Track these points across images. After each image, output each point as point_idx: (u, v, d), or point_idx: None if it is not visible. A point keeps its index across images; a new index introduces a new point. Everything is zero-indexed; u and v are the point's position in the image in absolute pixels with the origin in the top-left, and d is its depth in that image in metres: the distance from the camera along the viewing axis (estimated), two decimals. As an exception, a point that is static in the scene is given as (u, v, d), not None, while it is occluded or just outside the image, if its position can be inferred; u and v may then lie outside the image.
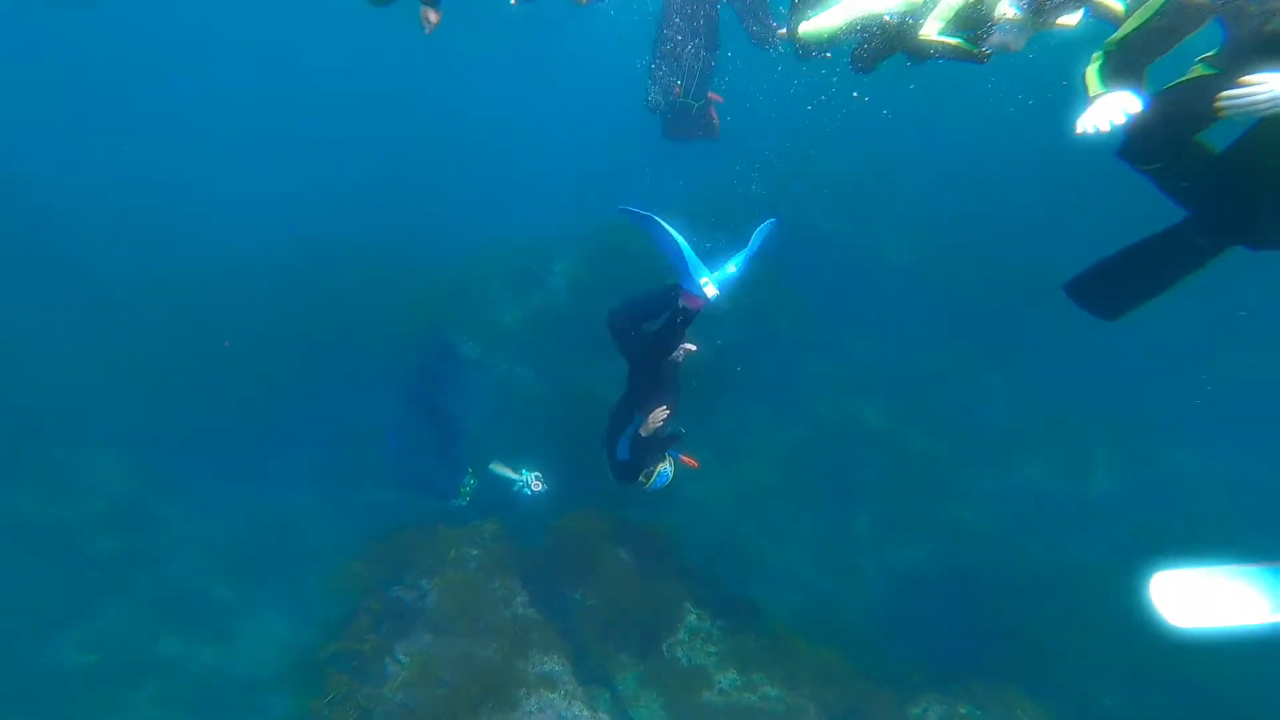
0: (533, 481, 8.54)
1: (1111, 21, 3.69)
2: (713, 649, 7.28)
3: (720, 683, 6.87)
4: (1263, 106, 2.59)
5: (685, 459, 6.01)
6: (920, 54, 4.76)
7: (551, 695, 6.45)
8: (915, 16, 4.55)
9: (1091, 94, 3.01)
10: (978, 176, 16.12)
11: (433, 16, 5.67)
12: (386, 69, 22.42)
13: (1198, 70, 2.89)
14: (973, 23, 4.32)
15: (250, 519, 10.57)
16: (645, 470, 5.78)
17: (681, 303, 5.56)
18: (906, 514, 10.62)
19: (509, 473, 8.69)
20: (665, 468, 5.80)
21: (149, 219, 17.55)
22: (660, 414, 5.65)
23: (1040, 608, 9.03)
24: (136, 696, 8.37)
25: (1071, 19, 4.05)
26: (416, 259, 13.56)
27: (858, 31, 4.89)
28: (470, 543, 7.86)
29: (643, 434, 5.72)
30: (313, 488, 11.23)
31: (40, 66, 22.36)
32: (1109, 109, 2.89)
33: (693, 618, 7.60)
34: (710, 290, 5.44)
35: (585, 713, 6.40)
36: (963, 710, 6.80)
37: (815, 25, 5.04)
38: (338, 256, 14.30)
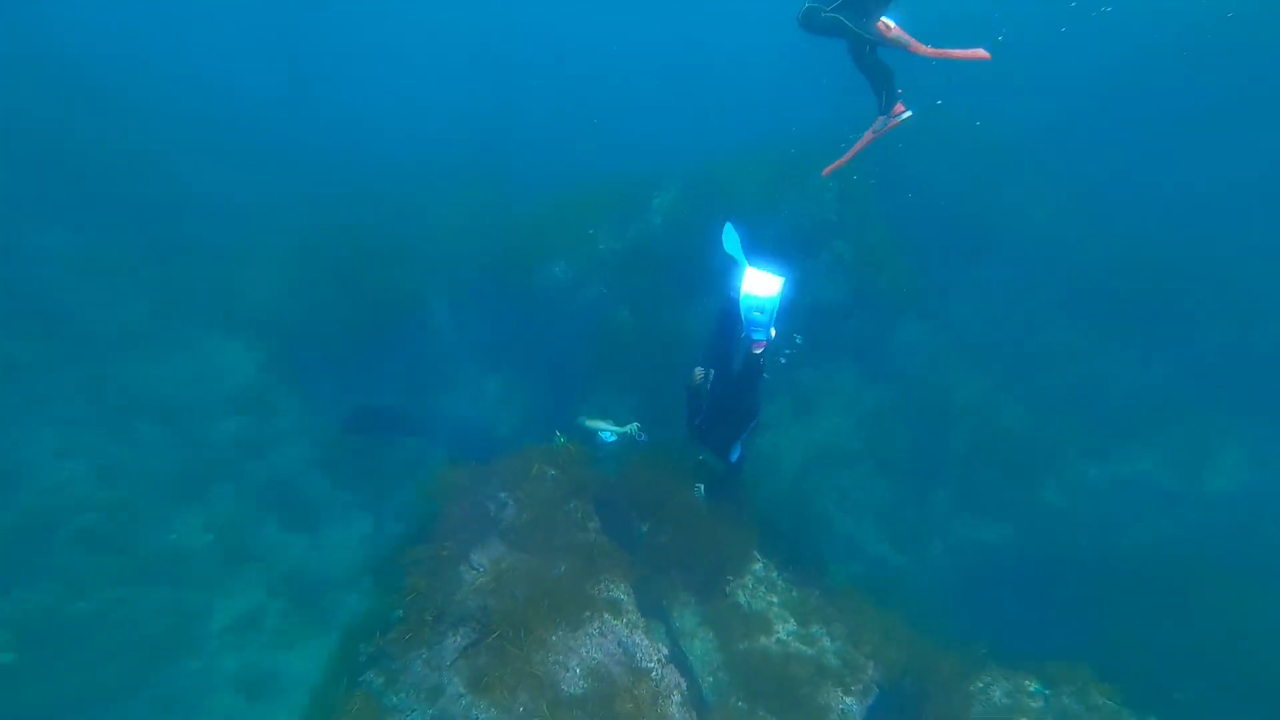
0: (638, 431, 8.65)
1: None
2: (775, 598, 7.32)
3: (779, 631, 6.92)
4: None
5: None
6: None
7: (615, 622, 6.67)
8: None
9: None
10: (1139, 148, 14.77)
11: None
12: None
13: None
14: None
15: (350, 420, 11.23)
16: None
17: (754, 350, 6.62)
18: (990, 492, 10.23)
19: (604, 425, 8.81)
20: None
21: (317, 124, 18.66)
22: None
23: (1124, 598, 8.66)
24: (241, 581, 9.23)
25: None
26: (520, 184, 13.77)
27: None
28: (551, 463, 8.05)
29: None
30: (406, 397, 11.81)
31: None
32: None
33: (758, 566, 7.64)
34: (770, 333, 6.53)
35: (645, 641, 6.59)
36: (1030, 686, 6.59)
37: None
38: (446, 180, 14.75)
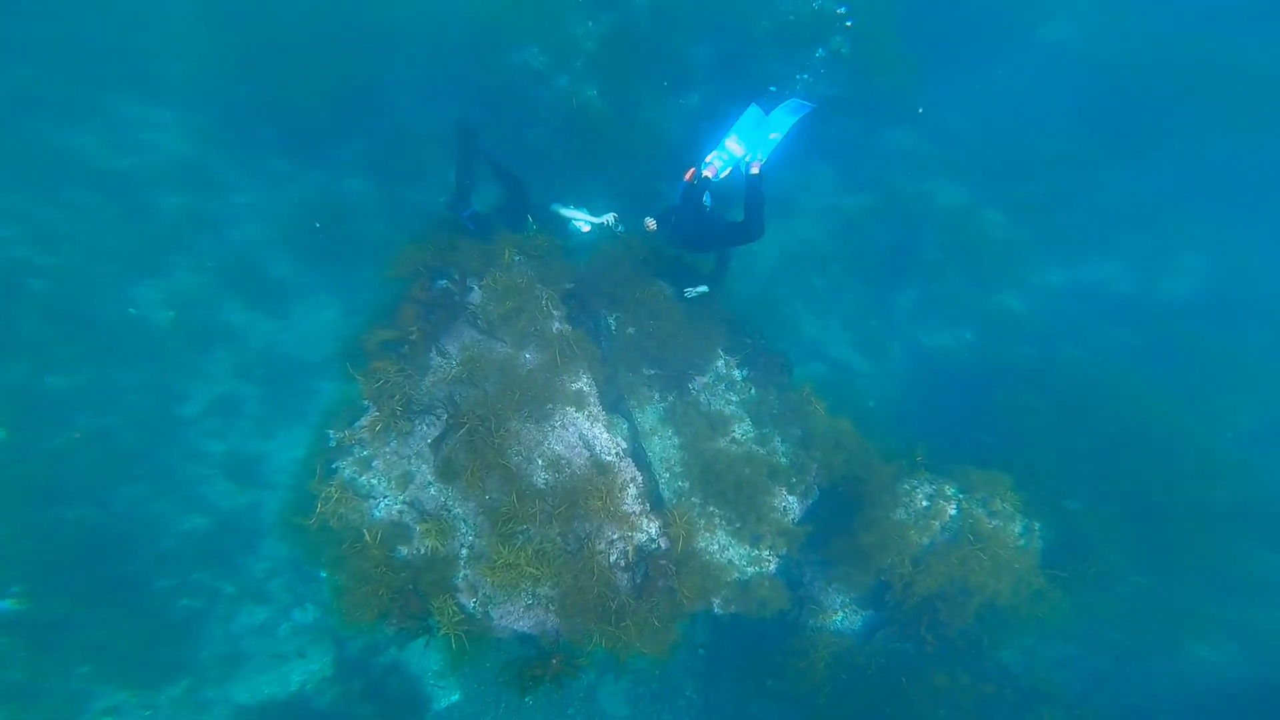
0: (612, 220, 8.18)
1: None
2: (734, 397, 7.61)
3: (735, 431, 7.31)
4: None
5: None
6: None
7: (577, 414, 6.87)
8: None
9: None
10: None
11: None
12: None
13: None
14: None
15: (308, 199, 10.59)
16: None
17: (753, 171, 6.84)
18: (953, 298, 10.41)
19: (579, 215, 8.29)
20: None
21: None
22: None
23: (1050, 409, 9.25)
24: (213, 361, 9.20)
25: None
26: None
27: None
28: (520, 248, 7.67)
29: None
30: (370, 179, 11.07)
31: None
32: None
33: (721, 363, 7.79)
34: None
35: (604, 435, 6.84)
36: (949, 490, 7.30)
37: None
38: None
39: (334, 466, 6.54)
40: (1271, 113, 11.11)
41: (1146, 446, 8.48)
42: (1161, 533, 7.36)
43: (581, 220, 8.25)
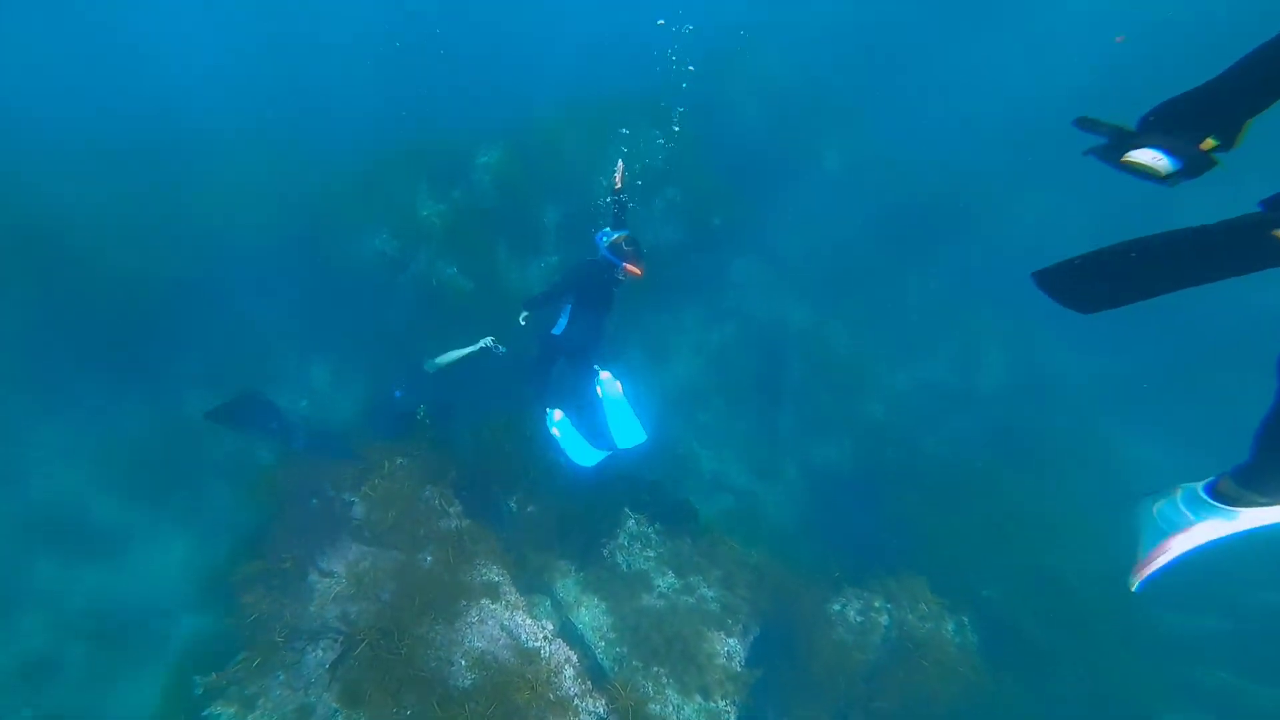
0: (493, 344, 7.92)
1: None
2: (651, 553, 7.42)
3: (659, 585, 7.06)
4: None
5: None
6: None
7: (494, 605, 6.41)
8: None
9: None
10: (913, 92, 16.14)
11: None
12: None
13: None
14: None
15: (138, 428, 9.42)
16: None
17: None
18: (827, 412, 11.07)
19: (455, 355, 8.07)
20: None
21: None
22: None
23: (935, 504, 9.75)
24: (23, 629, 7.69)
25: None
26: (324, 147, 11.94)
27: None
28: (399, 452, 7.43)
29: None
30: (212, 392, 10.11)
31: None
32: None
33: (631, 522, 7.66)
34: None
35: (527, 621, 6.41)
36: (877, 604, 7.38)
37: None
38: (233, 140, 12.42)
39: (205, 715, 5.51)
40: (1005, 218, 13.67)
41: (1025, 522, 9.11)
42: (1073, 604, 7.75)
43: (460, 356, 8.10)
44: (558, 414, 7.10)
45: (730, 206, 11.45)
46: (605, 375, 6.97)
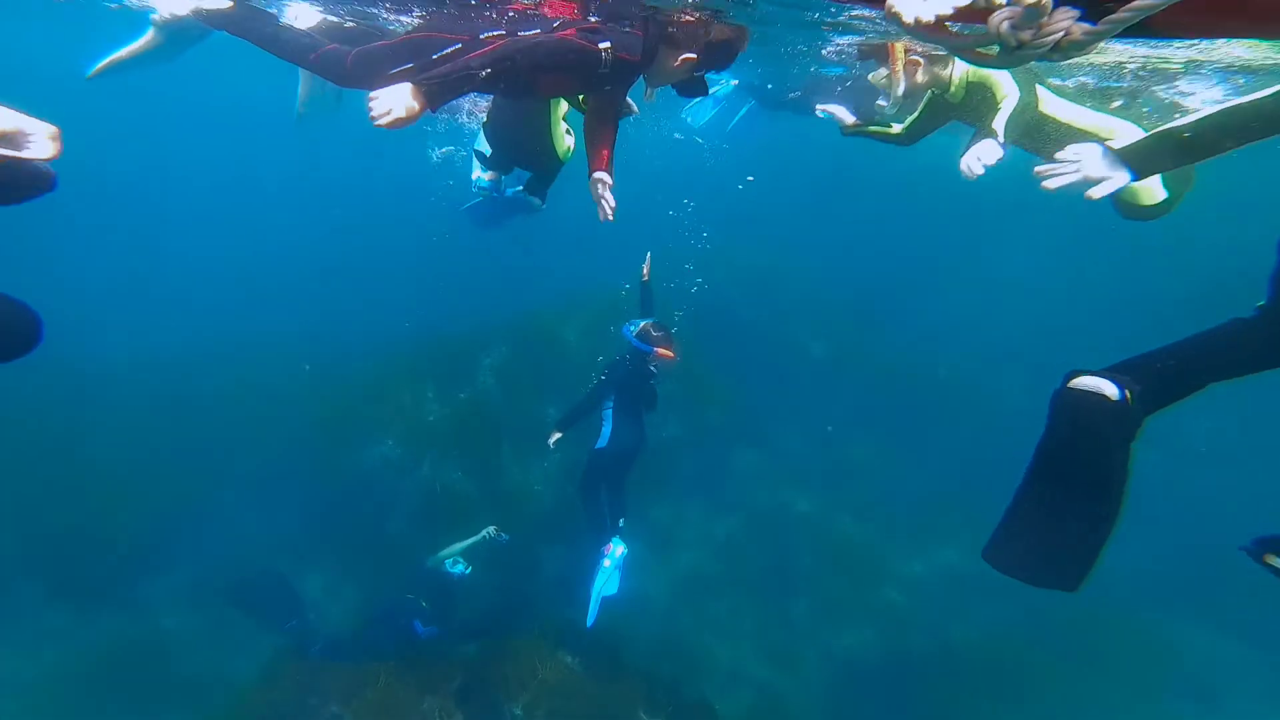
0: (496, 533, 7.84)
1: None
2: (672, 758, 6.66)
3: (684, 791, 6.25)
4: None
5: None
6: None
7: (502, 825, 5.63)
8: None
9: None
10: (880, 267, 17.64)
11: None
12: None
13: None
14: None
15: (103, 647, 8.80)
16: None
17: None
18: (842, 599, 10.54)
19: (456, 549, 7.89)
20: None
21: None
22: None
23: (967, 690, 9.15)
24: None
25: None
26: (327, 354, 12.61)
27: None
28: (398, 657, 6.97)
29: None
30: (193, 612, 9.60)
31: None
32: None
33: (648, 725, 6.98)
34: None
35: (540, 843, 5.59)
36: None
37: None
38: (226, 351, 13.13)
39: None
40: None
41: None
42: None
43: (460, 553, 7.93)
44: (620, 549, 6.62)
45: (728, 399, 11.87)
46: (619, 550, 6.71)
